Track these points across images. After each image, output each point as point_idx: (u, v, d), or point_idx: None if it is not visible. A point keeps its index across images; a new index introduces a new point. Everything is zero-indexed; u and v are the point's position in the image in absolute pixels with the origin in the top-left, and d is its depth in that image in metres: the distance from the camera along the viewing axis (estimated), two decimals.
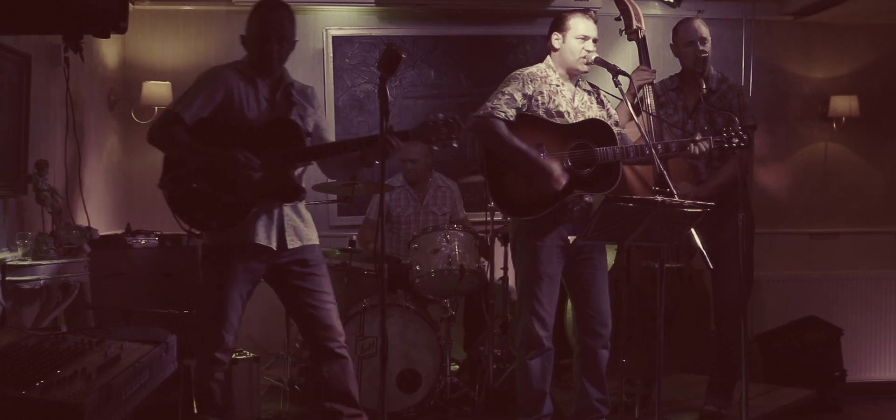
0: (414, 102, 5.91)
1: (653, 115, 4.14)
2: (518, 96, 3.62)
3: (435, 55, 5.90)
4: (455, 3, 5.68)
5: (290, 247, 3.31)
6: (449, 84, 5.88)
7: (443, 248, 4.68)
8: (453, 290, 4.75)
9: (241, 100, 3.23)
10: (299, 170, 3.30)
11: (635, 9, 4.30)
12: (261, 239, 3.26)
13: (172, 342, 2.62)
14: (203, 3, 5.62)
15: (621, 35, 4.33)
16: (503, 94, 3.63)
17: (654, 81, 4.22)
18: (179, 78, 5.51)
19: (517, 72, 3.73)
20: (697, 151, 3.67)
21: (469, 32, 5.86)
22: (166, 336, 2.67)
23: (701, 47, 4.20)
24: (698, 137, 3.68)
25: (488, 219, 4.91)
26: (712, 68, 4.29)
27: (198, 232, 3.25)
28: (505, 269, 5.04)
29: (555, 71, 3.74)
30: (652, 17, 5.59)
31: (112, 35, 2.50)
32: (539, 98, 3.65)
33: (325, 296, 3.38)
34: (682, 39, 4.30)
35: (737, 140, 3.70)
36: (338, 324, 3.40)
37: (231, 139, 3.18)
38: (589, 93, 3.81)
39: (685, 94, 4.32)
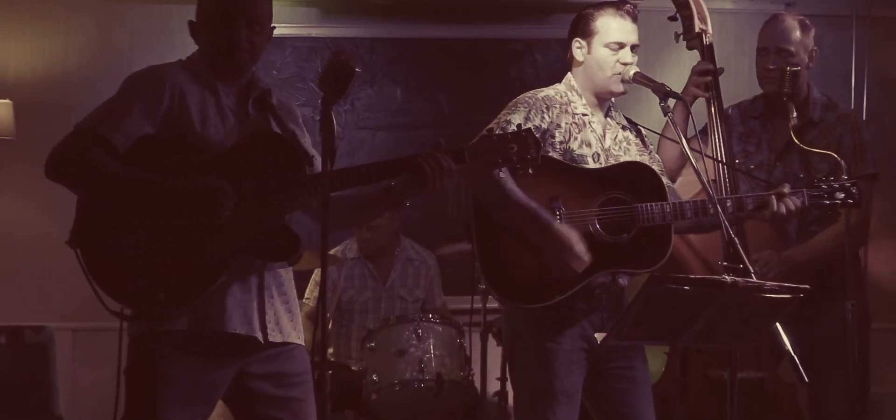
0: (372, 134, 5.93)
1: (721, 151, 4.16)
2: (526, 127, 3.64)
3: (402, 67, 5.93)
4: None
5: (271, 340, 3.16)
6: (422, 109, 5.91)
7: (412, 349, 4.67)
8: (427, 410, 4.73)
9: (196, 112, 3.11)
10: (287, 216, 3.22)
11: (699, 3, 4.33)
12: (236, 324, 3.09)
13: None
14: None
15: (678, 41, 4.38)
16: (508, 124, 3.64)
17: (717, 83, 4.24)
18: (25, 95, 5.52)
19: (528, 95, 3.73)
20: (784, 211, 3.64)
21: (452, 35, 5.92)
22: None
23: (775, 58, 4.26)
24: (786, 189, 3.67)
25: (479, 306, 4.91)
26: (815, 90, 4.33)
27: (130, 312, 3.07)
28: (502, 379, 5.03)
29: (580, 95, 3.76)
30: (718, 13, 5.67)
31: None
32: (557, 133, 3.66)
33: None
34: (757, 45, 4.37)
35: (843, 195, 3.70)
36: None
37: (189, 166, 3.05)
38: (625, 128, 3.84)
39: (773, 125, 4.33)
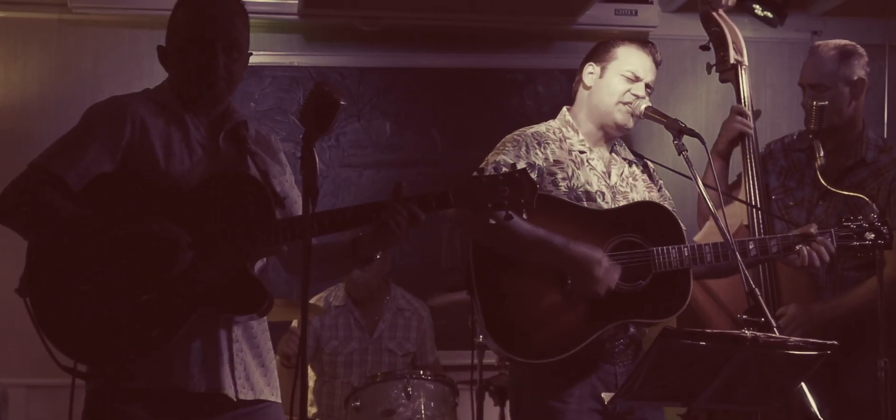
0: (358, 173, 5.91)
1: (755, 195, 4.14)
2: (520, 167, 3.62)
3: (392, 99, 5.93)
4: (425, 18, 5.77)
5: (241, 397, 3.14)
6: (414, 144, 5.90)
7: (401, 409, 4.65)
8: None
9: (161, 147, 3.09)
10: (259, 263, 3.19)
11: (734, 32, 4.31)
12: (200, 382, 3.06)
13: None
14: (17, 7, 5.67)
15: (710, 72, 4.35)
16: (498, 165, 3.63)
17: (753, 129, 4.21)
18: None
19: (516, 133, 3.74)
20: (816, 260, 3.64)
21: (447, 64, 5.91)
22: None
23: (810, 93, 4.25)
24: (813, 229, 3.67)
25: (475, 362, 4.88)
26: (870, 129, 4.32)
27: (85, 368, 3.04)
28: None
29: (577, 130, 3.76)
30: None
31: None
32: (557, 172, 3.66)
33: None
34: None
35: (873, 235, 3.70)
36: None
37: (148, 207, 3.02)
38: (631, 163, 3.85)
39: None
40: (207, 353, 3.07)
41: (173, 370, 3.03)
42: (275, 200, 3.10)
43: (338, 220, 3.06)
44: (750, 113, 4.22)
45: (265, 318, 3.22)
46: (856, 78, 4.22)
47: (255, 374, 3.18)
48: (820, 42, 4.40)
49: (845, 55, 4.24)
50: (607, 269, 3.49)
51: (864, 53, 4.29)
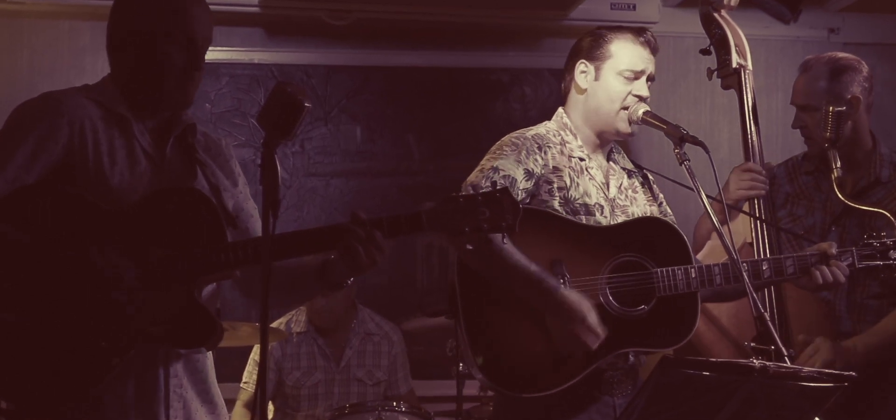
0: (325, 182, 5.91)
1: (760, 209, 4.15)
2: (519, 175, 3.62)
3: (363, 101, 5.93)
4: (400, 12, 5.77)
5: None
6: (387, 151, 5.90)
7: None
8: None
9: (101, 154, 3.05)
10: (209, 288, 3.18)
11: (737, 35, 4.35)
12: None
13: None
14: None
15: (712, 78, 4.37)
16: (495, 171, 3.61)
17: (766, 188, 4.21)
18: None
19: (514, 135, 3.73)
20: (828, 280, 3.67)
21: (423, 62, 5.91)
22: None
23: (800, 116, 4.27)
24: (833, 249, 3.69)
25: (453, 392, 4.88)
26: (882, 145, 4.33)
27: (6, 406, 3.02)
28: None
29: (575, 134, 3.77)
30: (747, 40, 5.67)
31: None
32: (554, 180, 3.66)
33: None
34: None
35: None
36: None
37: (81, 226, 2.97)
38: (631, 174, 3.86)
39: (830, 184, 4.31)
40: (144, 392, 3.05)
41: (105, 412, 3.01)
42: (226, 219, 3.09)
43: (292, 245, 3.03)
44: (758, 163, 4.23)
45: (209, 351, 3.22)
46: (849, 96, 4.21)
47: (198, 413, 3.16)
48: (811, 56, 4.39)
49: (837, 72, 4.24)
50: (589, 329, 3.48)
51: (862, 67, 4.28)
